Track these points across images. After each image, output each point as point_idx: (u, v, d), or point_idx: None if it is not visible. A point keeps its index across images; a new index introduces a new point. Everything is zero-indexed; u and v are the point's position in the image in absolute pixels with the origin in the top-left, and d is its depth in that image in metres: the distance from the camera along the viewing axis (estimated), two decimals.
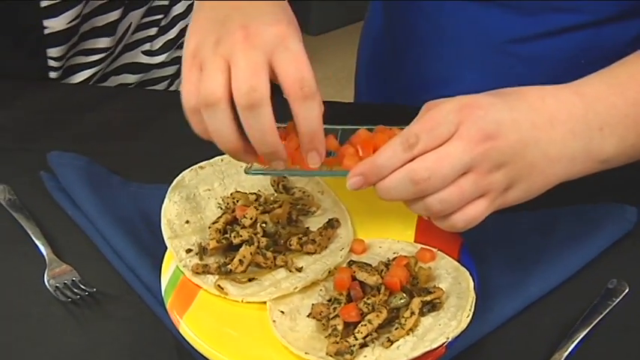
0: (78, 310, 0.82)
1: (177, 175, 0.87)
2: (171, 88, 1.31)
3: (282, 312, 0.76)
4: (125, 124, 1.08)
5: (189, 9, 1.27)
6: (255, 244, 0.80)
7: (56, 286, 0.83)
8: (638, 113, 0.76)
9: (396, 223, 0.85)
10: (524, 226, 0.88)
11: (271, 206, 0.84)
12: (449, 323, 0.72)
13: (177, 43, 1.27)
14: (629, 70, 0.79)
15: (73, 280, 0.84)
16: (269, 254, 0.80)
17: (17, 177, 0.97)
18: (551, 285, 0.82)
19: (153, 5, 1.22)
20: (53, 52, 1.15)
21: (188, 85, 0.72)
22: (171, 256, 0.81)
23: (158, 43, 1.26)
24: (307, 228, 0.85)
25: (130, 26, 1.21)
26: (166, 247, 0.81)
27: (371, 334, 0.72)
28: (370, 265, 0.79)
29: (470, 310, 0.72)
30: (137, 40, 1.24)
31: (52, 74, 1.17)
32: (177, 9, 1.25)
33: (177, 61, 1.29)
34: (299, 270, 0.80)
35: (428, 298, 0.74)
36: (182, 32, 1.28)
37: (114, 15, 1.17)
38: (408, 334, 0.72)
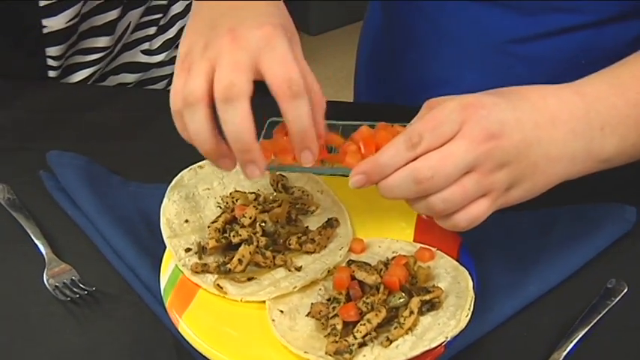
0: (77, 310, 0.82)
1: (177, 175, 0.87)
2: (170, 88, 1.30)
3: (282, 311, 0.76)
4: (124, 123, 1.08)
5: (187, 8, 1.27)
6: (255, 243, 0.80)
7: (55, 286, 0.83)
8: (638, 114, 0.76)
9: (395, 223, 0.85)
10: (523, 225, 0.88)
11: (270, 205, 0.84)
12: (448, 322, 0.72)
13: (176, 42, 1.27)
14: (630, 71, 0.79)
15: (72, 280, 0.84)
16: (268, 253, 0.80)
17: (17, 176, 0.97)
18: (551, 284, 0.83)
19: (152, 5, 1.23)
20: (52, 51, 1.15)
21: (174, 88, 0.72)
22: (171, 256, 0.81)
23: (157, 43, 1.26)
24: (306, 227, 0.85)
25: (128, 25, 1.21)
26: (165, 247, 0.81)
27: (370, 334, 0.72)
28: (369, 265, 0.79)
29: (469, 309, 0.72)
30: (136, 39, 1.24)
31: (51, 73, 1.18)
32: (176, 8, 1.25)
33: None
34: (298, 269, 0.80)
35: (427, 297, 0.74)
36: (181, 31, 1.28)
37: (113, 14, 1.17)
38: (407, 334, 0.72)
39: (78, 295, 0.83)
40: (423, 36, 1.11)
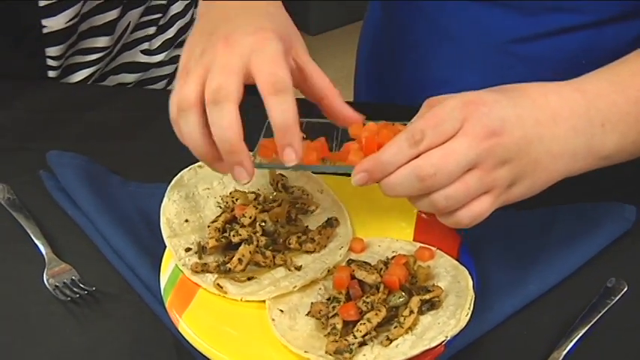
0: (77, 309, 0.82)
1: (177, 174, 0.87)
2: (170, 88, 1.30)
3: (282, 311, 0.76)
4: (124, 123, 1.08)
5: (187, 8, 1.27)
6: (255, 242, 0.80)
7: (56, 285, 0.83)
8: (639, 111, 0.76)
9: (395, 222, 0.85)
10: (523, 224, 0.88)
11: (270, 205, 0.84)
12: (448, 322, 0.72)
13: (175, 42, 1.27)
14: (630, 68, 0.79)
15: (72, 279, 0.84)
16: (268, 253, 0.80)
17: (17, 176, 0.97)
18: (551, 283, 0.83)
19: (151, 4, 1.23)
20: (52, 51, 1.15)
21: (173, 95, 0.73)
22: (171, 255, 0.81)
23: (156, 42, 1.26)
24: (306, 227, 0.85)
25: (128, 25, 1.21)
26: (165, 246, 0.81)
27: (370, 333, 0.72)
28: (369, 264, 0.79)
29: (469, 308, 0.72)
30: (136, 39, 1.24)
31: (51, 73, 1.18)
32: (176, 8, 1.25)
33: (176, 60, 1.29)
34: (298, 269, 0.80)
35: (427, 296, 0.74)
36: (180, 31, 1.28)
37: (112, 14, 1.17)
38: (407, 333, 0.72)
39: (78, 295, 0.83)
40: (423, 36, 1.11)
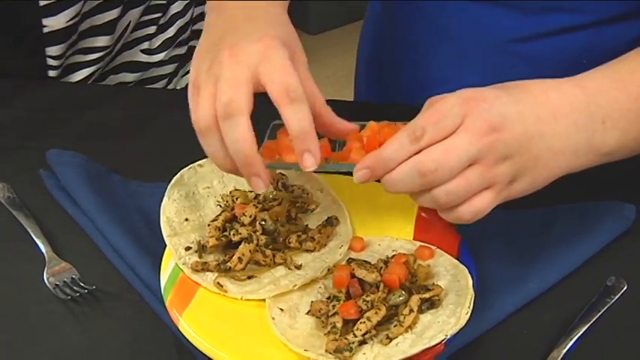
0: (77, 308, 0.82)
1: (177, 173, 0.87)
2: (170, 87, 1.31)
3: (282, 309, 0.76)
4: (124, 122, 1.08)
5: (187, 7, 1.27)
6: (255, 241, 0.80)
7: (56, 284, 0.83)
8: (639, 108, 0.76)
9: (395, 221, 0.85)
10: (523, 223, 0.88)
11: (270, 204, 0.84)
12: (448, 320, 0.72)
13: (175, 41, 1.28)
14: (630, 66, 0.80)
15: (72, 278, 0.84)
16: (268, 252, 0.80)
17: (17, 175, 0.97)
18: (550, 282, 0.83)
19: (151, 4, 1.23)
20: (52, 50, 1.15)
21: (192, 114, 0.74)
22: (171, 254, 0.81)
23: (157, 42, 1.26)
24: (306, 226, 0.85)
25: (128, 25, 1.21)
26: (165, 245, 0.81)
27: (370, 332, 0.73)
28: (369, 263, 0.79)
29: (468, 307, 0.72)
30: (136, 38, 1.24)
31: (51, 73, 1.18)
32: (176, 7, 1.26)
33: (176, 59, 1.29)
34: (298, 267, 0.80)
35: (427, 295, 0.74)
36: (180, 31, 1.28)
37: (113, 14, 1.17)
38: (406, 332, 0.72)
39: (78, 294, 0.83)
40: (424, 36, 1.11)
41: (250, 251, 0.79)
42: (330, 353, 0.71)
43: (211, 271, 0.79)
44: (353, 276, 0.77)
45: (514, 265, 0.84)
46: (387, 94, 1.23)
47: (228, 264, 0.79)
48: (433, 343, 0.69)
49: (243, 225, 0.82)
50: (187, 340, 0.74)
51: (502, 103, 0.71)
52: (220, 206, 0.86)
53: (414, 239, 0.84)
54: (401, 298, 0.74)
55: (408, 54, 1.15)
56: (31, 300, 0.83)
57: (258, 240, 0.80)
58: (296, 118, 0.71)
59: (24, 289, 0.84)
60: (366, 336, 0.72)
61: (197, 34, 1.28)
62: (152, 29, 1.25)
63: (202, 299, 0.77)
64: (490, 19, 1.03)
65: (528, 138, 0.71)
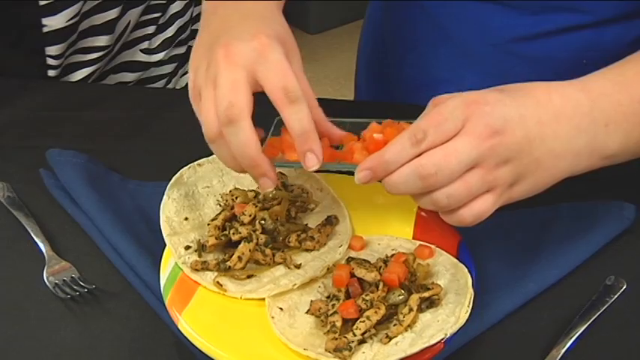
0: (77, 307, 0.82)
1: (176, 173, 0.87)
2: (170, 86, 1.31)
3: (281, 308, 0.76)
4: (124, 122, 1.08)
5: (186, 7, 1.27)
6: (254, 241, 0.80)
7: (55, 283, 0.83)
8: None
9: (394, 220, 0.85)
10: (522, 222, 0.88)
11: (270, 203, 0.84)
12: (447, 319, 0.72)
13: (175, 41, 1.28)
14: (634, 68, 0.79)
15: (72, 277, 0.84)
16: (268, 251, 0.80)
17: (16, 175, 0.97)
18: (550, 281, 0.83)
19: (151, 4, 1.23)
20: (52, 50, 1.15)
21: (199, 115, 0.75)
22: (170, 253, 0.81)
23: (156, 42, 1.26)
24: (306, 225, 0.85)
25: (128, 24, 1.21)
26: (165, 244, 0.81)
27: (369, 331, 0.73)
28: (369, 262, 0.79)
29: (468, 306, 0.72)
30: (135, 38, 1.24)
31: (51, 72, 1.18)
32: (175, 7, 1.26)
33: (175, 59, 1.29)
34: (298, 267, 0.80)
35: (426, 294, 0.74)
36: (180, 30, 1.28)
37: (112, 13, 1.17)
38: (406, 331, 0.72)
39: (78, 293, 0.83)
40: (424, 35, 1.11)
41: (250, 250, 0.80)
42: (330, 352, 0.71)
43: (211, 270, 0.79)
44: (352, 275, 0.77)
45: (513, 265, 0.84)
46: (386, 93, 1.23)
47: (228, 263, 0.79)
48: (432, 342, 0.70)
49: (242, 224, 0.82)
50: (187, 339, 0.74)
51: (504, 107, 0.71)
52: (220, 205, 0.86)
53: (414, 238, 0.84)
54: (400, 297, 0.74)
55: (408, 53, 1.15)
56: (30, 299, 0.83)
57: (257, 239, 0.80)
58: (296, 118, 0.71)
59: (24, 288, 0.84)
60: (366, 335, 0.72)
61: (196, 33, 1.28)
62: (151, 29, 1.25)
63: (202, 298, 0.77)
64: (490, 19, 1.03)
65: (529, 141, 0.71)
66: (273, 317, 0.75)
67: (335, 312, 0.75)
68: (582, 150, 0.74)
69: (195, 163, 0.88)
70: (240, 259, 0.79)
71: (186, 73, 1.32)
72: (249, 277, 0.79)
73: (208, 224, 0.83)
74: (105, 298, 0.83)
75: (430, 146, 0.69)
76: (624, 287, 0.81)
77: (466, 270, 0.77)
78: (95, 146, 1.01)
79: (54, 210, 0.92)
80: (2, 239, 0.90)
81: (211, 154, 0.87)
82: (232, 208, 0.84)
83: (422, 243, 0.82)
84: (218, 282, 0.78)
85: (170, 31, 1.26)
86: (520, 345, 0.78)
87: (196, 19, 1.31)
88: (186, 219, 0.84)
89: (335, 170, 0.79)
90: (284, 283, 0.78)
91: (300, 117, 0.71)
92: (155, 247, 0.83)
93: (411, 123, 0.73)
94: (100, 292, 0.83)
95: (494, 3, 1.02)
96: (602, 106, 0.75)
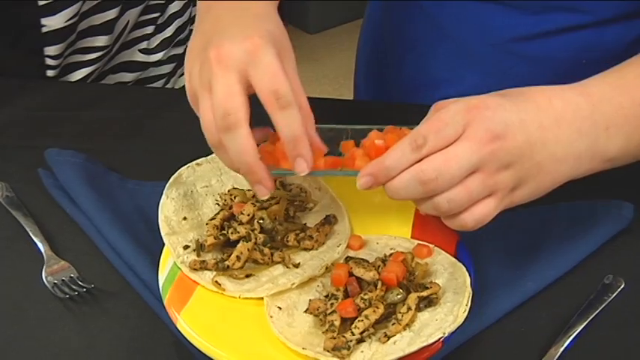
0: (76, 307, 0.82)
1: (175, 172, 0.87)
2: (168, 86, 1.31)
3: (280, 308, 0.76)
4: (123, 121, 1.08)
5: (185, 7, 1.27)
6: (253, 240, 0.80)
7: (54, 283, 0.83)
8: None
9: (393, 220, 0.86)
10: (521, 221, 0.88)
11: (268, 202, 0.84)
12: (445, 318, 0.72)
13: (173, 41, 1.28)
14: (634, 71, 0.79)
15: (71, 277, 0.84)
16: (266, 250, 0.80)
17: (15, 174, 0.97)
18: (548, 280, 0.83)
19: (149, 4, 1.23)
20: (51, 50, 1.15)
21: (200, 117, 0.75)
22: (169, 253, 0.81)
23: (155, 42, 1.26)
24: (304, 224, 0.85)
25: (127, 25, 1.21)
26: (164, 244, 0.81)
27: (368, 330, 0.73)
28: (367, 261, 0.79)
29: (466, 305, 0.72)
30: (134, 38, 1.25)
31: (50, 72, 1.18)
32: (174, 7, 1.26)
33: (174, 59, 1.30)
34: (296, 266, 0.80)
35: (424, 293, 0.74)
36: (178, 30, 1.28)
37: (111, 13, 1.17)
38: (404, 330, 0.72)
39: (77, 293, 0.83)
40: (423, 35, 1.11)
41: (248, 250, 0.80)
42: (328, 351, 0.71)
43: (209, 269, 0.79)
44: (351, 274, 0.77)
45: (512, 263, 0.84)
46: (386, 93, 1.23)
47: (227, 262, 0.79)
48: (431, 341, 0.70)
49: (241, 223, 0.82)
50: (185, 338, 0.74)
51: (504, 111, 0.71)
52: (218, 205, 0.86)
53: (412, 237, 0.84)
54: (399, 297, 0.74)
55: (407, 53, 1.15)
56: (29, 299, 0.83)
57: (256, 238, 0.80)
58: (286, 123, 0.71)
59: (22, 288, 0.84)
60: (364, 334, 0.73)
61: None
62: (150, 29, 1.25)
63: (200, 298, 0.77)
64: (490, 18, 1.03)
65: (530, 146, 0.71)
66: (271, 316, 0.75)
67: (333, 311, 0.75)
68: (583, 153, 0.74)
69: (194, 162, 0.88)
70: (238, 258, 0.79)
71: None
72: (247, 276, 0.79)
73: (207, 224, 0.83)
74: (104, 297, 0.83)
75: (431, 151, 0.69)
76: (622, 286, 0.81)
77: (464, 269, 0.77)
78: (94, 146, 1.01)
79: (53, 210, 0.92)
80: (1, 239, 0.90)
81: (210, 153, 0.88)
82: (231, 207, 0.84)
83: (420, 242, 0.82)
84: (217, 281, 0.78)
85: (169, 31, 1.26)
86: (518, 344, 0.78)
87: (195, 19, 1.31)
88: (184, 218, 0.84)
89: (339, 176, 0.79)
90: (282, 282, 0.78)
91: (290, 122, 0.71)
92: (154, 246, 0.83)
93: (412, 128, 0.73)
94: (99, 291, 0.83)
95: (494, 3, 1.02)
96: (603, 110, 0.75)
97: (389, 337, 0.72)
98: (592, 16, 0.99)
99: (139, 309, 0.82)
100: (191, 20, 1.30)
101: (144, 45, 1.25)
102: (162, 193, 0.85)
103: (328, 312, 0.75)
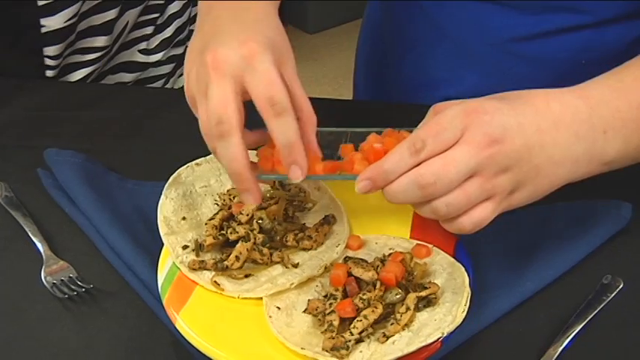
0: (75, 307, 0.82)
1: (174, 172, 0.87)
2: (168, 87, 1.31)
3: (279, 308, 0.76)
4: (122, 121, 1.08)
5: (184, 8, 1.27)
6: (252, 240, 0.80)
7: (53, 283, 0.83)
8: None
9: (391, 220, 0.86)
10: (519, 222, 0.88)
11: (267, 202, 0.84)
12: (444, 318, 0.72)
13: (173, 41, 1.28)
14: (633, 74, 0.79)
15: (69, 277, 0.84)
16: (265, 250, 0.80)
17: (14, 174, 0.97)
18: (547, 280, 0.83)
19: (149, 4, 1.23)
20: (50, 50, 1.15)
21: (199, 120, 0.75)
22: (168, 253, 0.81)
23: (154, 42, 1.26)
24: (303, 224, 0.85)
25: (126, 25, 1.21)
26: (163, 244, 0.81)
27: (366, 330, 0.73)
28: (366, 261, 0.79)
29: (465, 305, 0.72)
30: (133, 38, 1.25)
31: (49, 73, 1.18)
32: (173, 8, 1.26)
33: (173, 59, 1.30)
34: (295, 266, 0.80)
35: (423, 293, 0.74)
36: (178, 31, 1.28)
37: (111, 14, 1.18)
38: (403, 330, 0.72)
39: (75, 293, 0.83)
40: (423, 35, 1.11)
41: (247, 250, 0.80)
42: (327, 351, 0.71)
43: (208, 269, 0.79)
44: (350, 274, 0.77)
45: (510, 264, 0.84)
46: (385, 93, 1.23)
47: (226, 262, 0.79)
48: (430, 341, 0.70)
49: (240, 223, 0.82)
50: (184, 338, 0.74)
51: (502, 115, 0.71)
52: (217, 205, 0.86)
53: (411, 237, 0.84)
54: (397, 297, 0.75)
55: (407, 53, 1.15)
56: (28, 299, 0.83)
57: (255, 238, 0.81)
58: (281, 130, 0.71)
59: (21, 287, 0.84)
60: (363, 334, 0.73)
61: None
62: (150, 29, 1.25)
63: (199, 298, 0.77)
64: (490, 18, 1.03)
65: (529, 149, 0.71)
66: (270, 316, 0.75)
67: (332, 311, 0.75)
68: (581, 157, 0.75)
69: (193, 162, 0.88)
70: (237, 258, 0.79)
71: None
72: (246, 276, 0.80)
73: (206, 224, 0.83)
74: (102, 297, 0.83)
75: (429, 155, 0.70)
76: (621, 286, 0.81)
77: (463, 269, 0.77)
78: (93, 146, 1.01)
79: (52, 210, 0.92)
80: (0, 239, 0.90)
81: (209, 153, 0.88)
82: (230, 207, 0.84)
83: (419, 242, 0.82)
84: (216, 281, 0.78)
85: (168, 32, 1.27)
86: (517, 344, 0.78)
87: (194, 19, 1.31)
88: (183, 218, 0.84)
89: (338, 180, 0.79)
90: (281, 282, 0.78)
91: (285, 129, 0.71)
92: (153, 246, 0.83)
93: (410, 131, 0.73)
94: (98, 291, 0.83)
95: (494, 3, 1.02)
96: (601, 113, 0.75)
97: (388, 337, 0.72)
98: (592, 16, 0.99)
99: (138, 309, 0.82)
100: (190, 20, 1.31)
101: (143, 45, 1.25)
102: (161, 193, 0.85)
103: (327, 312, 0.75)
